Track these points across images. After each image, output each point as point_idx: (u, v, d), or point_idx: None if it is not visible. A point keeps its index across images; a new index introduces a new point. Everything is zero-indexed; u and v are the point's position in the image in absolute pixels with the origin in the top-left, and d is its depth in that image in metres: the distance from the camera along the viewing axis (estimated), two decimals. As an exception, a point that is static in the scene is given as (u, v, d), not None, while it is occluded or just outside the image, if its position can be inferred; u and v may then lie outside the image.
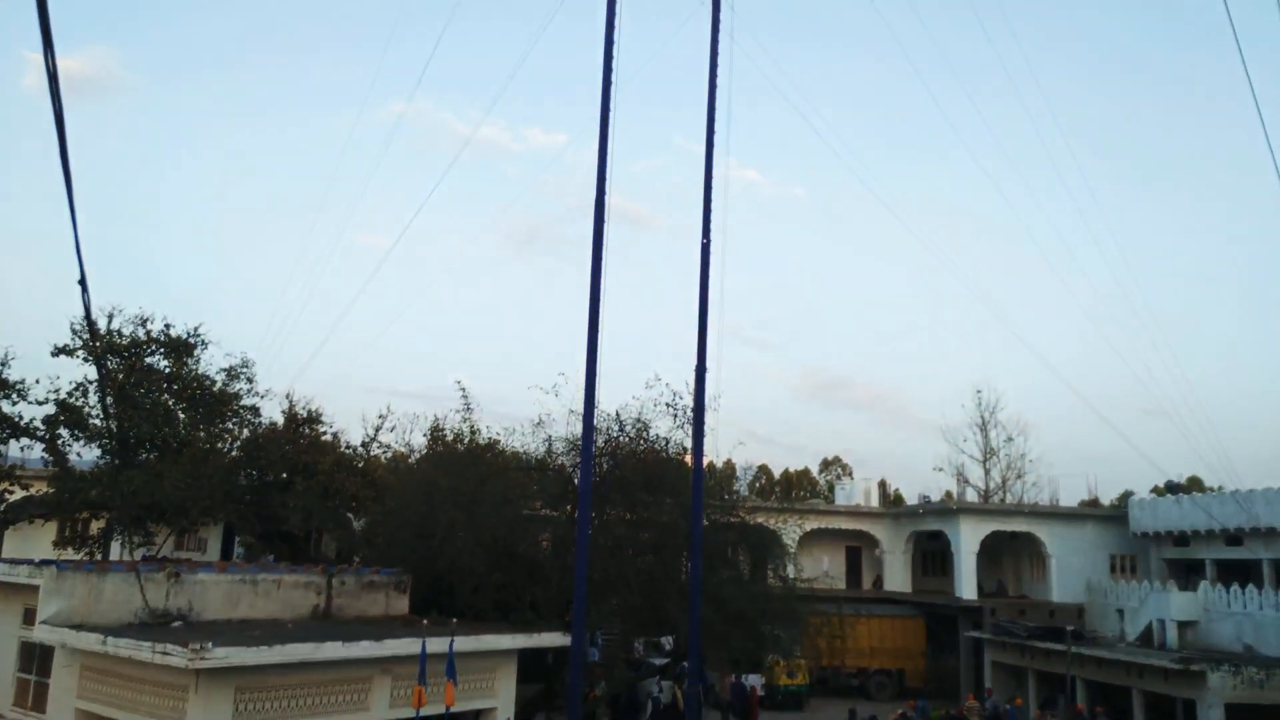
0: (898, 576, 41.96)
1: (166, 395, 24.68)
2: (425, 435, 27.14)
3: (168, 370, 24.99)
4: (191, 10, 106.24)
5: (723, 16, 21.73)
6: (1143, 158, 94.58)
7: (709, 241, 22.01)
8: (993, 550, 39.65)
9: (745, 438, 63.57)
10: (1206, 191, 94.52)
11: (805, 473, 73.03)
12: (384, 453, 27.16)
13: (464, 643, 16.62)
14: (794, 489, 64.88)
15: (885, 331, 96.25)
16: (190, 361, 25.30)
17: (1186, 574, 35.03)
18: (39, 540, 28.29)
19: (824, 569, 35.78)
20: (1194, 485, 42.41)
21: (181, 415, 24.76)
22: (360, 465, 25.72)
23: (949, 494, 51.26)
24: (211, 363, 25.68)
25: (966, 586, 37.46)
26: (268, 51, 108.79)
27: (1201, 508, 34.22)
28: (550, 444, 24.48)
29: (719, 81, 21.82)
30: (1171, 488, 37.53)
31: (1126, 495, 45.31)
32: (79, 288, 6.23)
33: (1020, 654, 33.29)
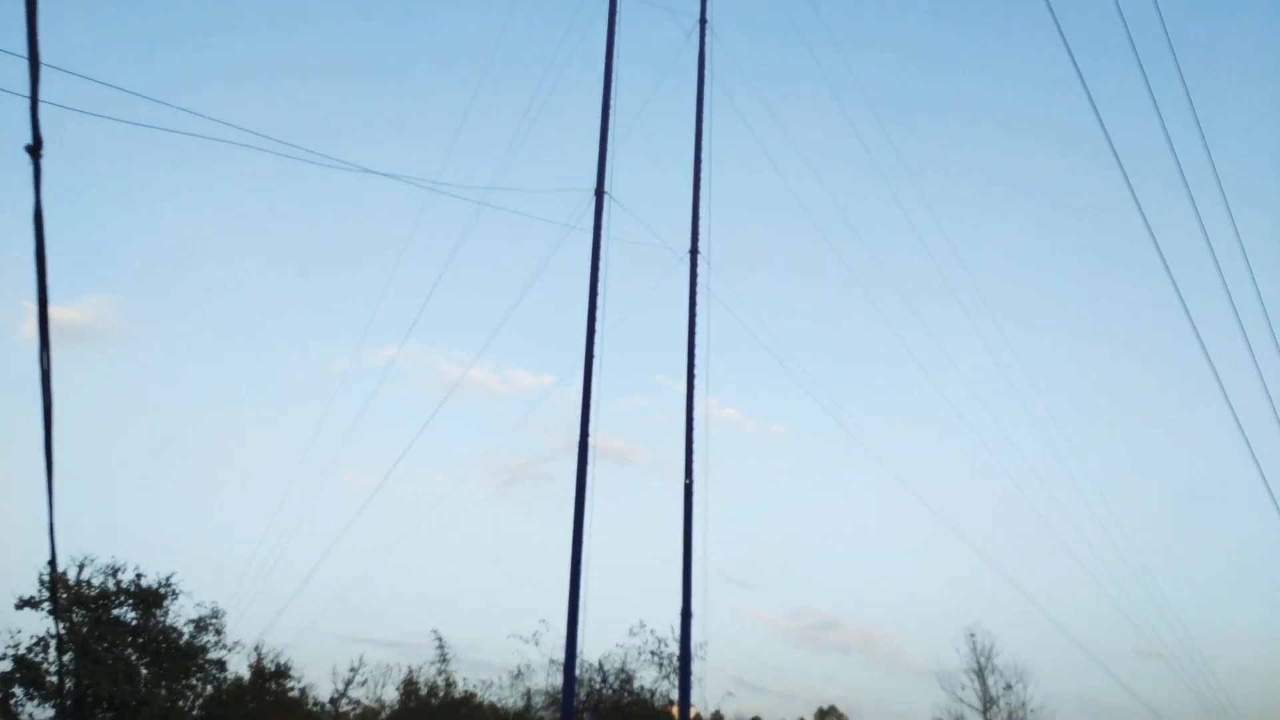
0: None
1: (130, 650, 23.74)
2: (398, 689, 25.95)
3: (134, 623, 24.17)
4: (190, 256, 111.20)
5: (700, 273, 22.92)
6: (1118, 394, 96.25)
7: (691, 482, 22.06)
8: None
9: (734, 685, 60.79)
10: (1185, 424, 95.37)
11: (799, 724, 68.99)
12: (354, 709, 25.79)
13: None
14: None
15: (873, 572, 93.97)
16: (158, 613, 24.52)
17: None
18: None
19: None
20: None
21: (144, 671, 23.70)
22: (328, 723, 24.36)
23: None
24: (181, 613, 24.89)
25: None
26: (260, 296, 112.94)
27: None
28: (530, 697, 23.48)
29: (698, 330, 22.70)
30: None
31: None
32: (48, 538, 6.03)
33: None
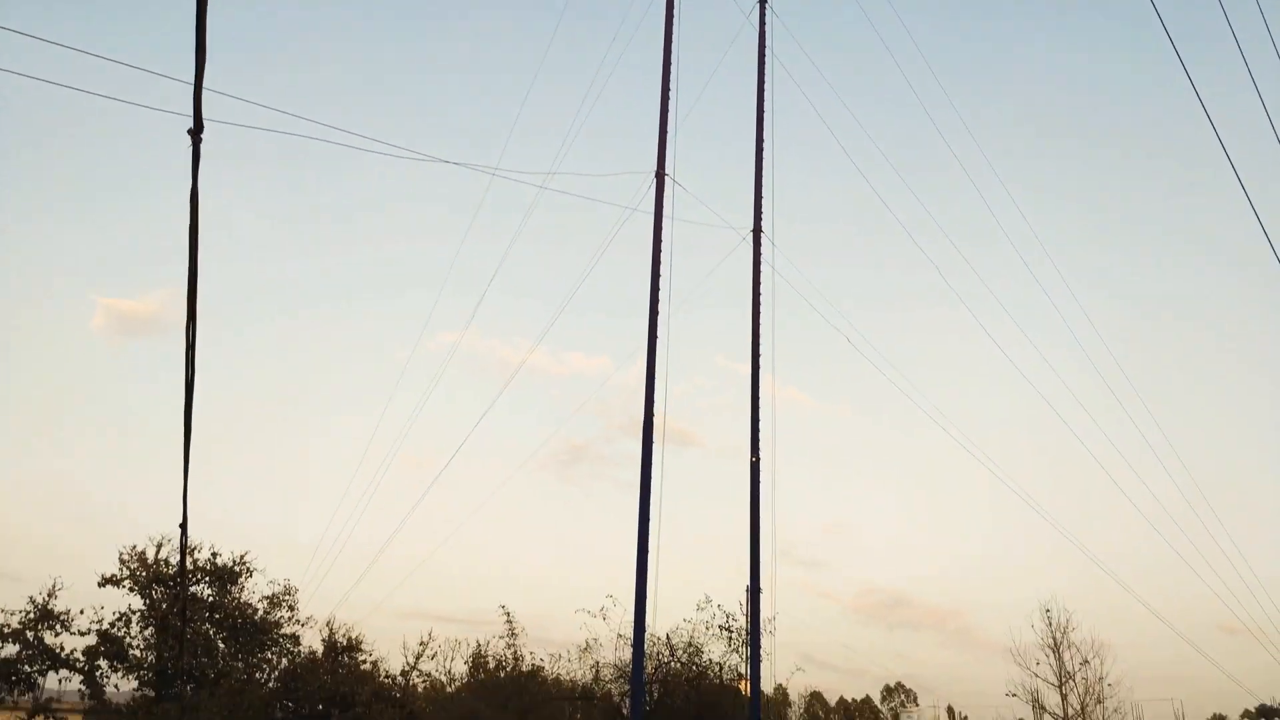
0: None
1: (208, 625, 24.37)
2: (467, 662, 26.33)
3: (210, 599, 24.80)
4: (252, 250, 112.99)
5: (764, 252, 22.82)
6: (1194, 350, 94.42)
7: (758, 460, 22.09)
8: (1077, 784, 36.53)
9: (802, 662, 60.84)
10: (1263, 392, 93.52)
11: (866, 700, 69.04)
12: (424, 681, 26.24)
13: None
14: (854, 717, 61.16)
15: (944, 548, 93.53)
16: (234, 590, 25.13)
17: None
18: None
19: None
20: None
21: (221, 645, 24.33)
22: (399, 695, 24.79)
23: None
24: (255, 590, 25.49)
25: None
26: (323, 290, 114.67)
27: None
28: (598, 670, 23.65)
29: (762, 299, 22.64)
30: (1265, 712, 34.84)
31: (1216, 719, 42.11)
32: (179, 530, 6.20)
33: None
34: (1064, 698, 51.61)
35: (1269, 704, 34.78)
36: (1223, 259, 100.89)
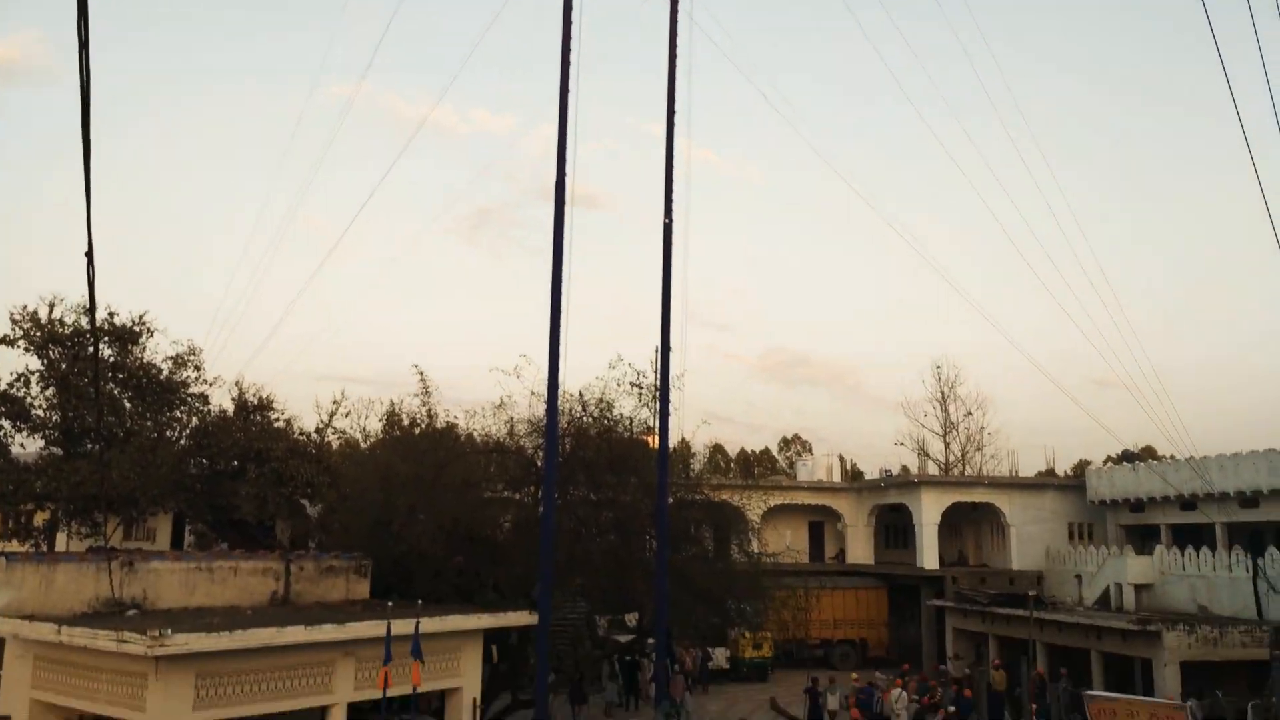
0: (860, 549, 42.33)
1: (112, 385, 23.99)
2: (381, 421, 26.71)
3: (112, 359, 24.29)
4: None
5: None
6: (1098, 128, 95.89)
7: (671, 221, 21.94)
8: (953, 521, 40.08)
9: (707, 418, 63.80)
10: (1160, 160, 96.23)
11: (765, 452, 73.31)
12: (339, 438, 26.69)
13: (429, 624, 16.33)
14: (754, 467, 65.11)
15: (844, 309, 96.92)
16: (135, 350, 24.62)
17: (1142, 539, 35.65)
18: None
19: (787, 543, 35.96)
20: (1149, 454, 43.16)
21: (127, 404, 24.10)
22: (314, 452, 25.20)
23: (905, 468, 51.78)
24: (157, 351, 25.02)
25: (928, 557, 37.86)
26: (205, 27, 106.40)
27: (1157, 474, 34.84)
28: (512, 426, 24.19)
29: (678, 61, 21.69)
30: (1128, 456, 38.14)
31: (1083, 465, 46.04)
32: (85, 260, 5.69)
33: (981, 620, 33.68)
34: (947, 446, 55.71)
35: (1130, 449, 38.05)
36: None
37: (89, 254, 5.28)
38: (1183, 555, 30.83)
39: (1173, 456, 37.71)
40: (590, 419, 23.35)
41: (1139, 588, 31.32)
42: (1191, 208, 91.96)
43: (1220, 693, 23.68)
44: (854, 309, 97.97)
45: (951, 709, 24.93)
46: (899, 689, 25.87)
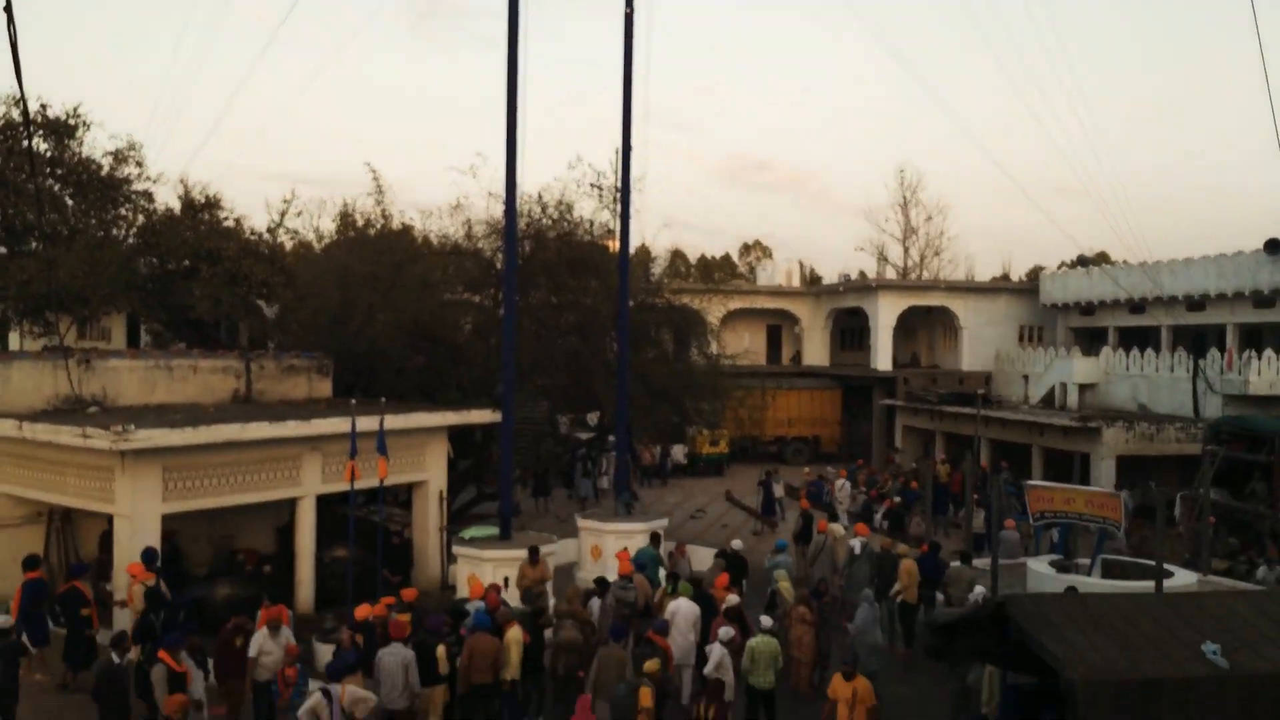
0: (817, 351, 43.23)
1: (51, 180, 22.98)
2: (335, 221, 26.10)
3: (49, 154, 23.16)
4: None
5: None
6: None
7: (632, 10, 20.86)
8: (909, 325, 40.86)
9: (666, 222, 63.14)
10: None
11: (725, 258, 73.36)
12: (291, 238, 26.07)
13: (394, 420, 16.52)
14: (714, 273, 65.33)
15: (811, 113, 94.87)
16: (72, 144, 23.45)
17: (1091, 342, 36.69)
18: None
19: (746, 346, 36.56)
20: (1103, 259, 43.74)
21: (70, 201, 23.20)
22: (267, 252, 24.66)
23: (862, 274, 52.28)
24: (96, 146, 23.85)
25: (882, 358, 38.79)
26: None
27: (1109, 277, 35.43)
28: (470, 227, 23.77)
29: None
30: (1082, 260, 38.62)
31: (1038, 270, 46.67)
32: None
33: (930, 419, 34.95)
34: (906, 251, 56.14)
35: (1085, 254, 38.49)
36: None
37: (8, 8, 4.78)
38: (1128, 356, 31.82)
39: (1125, 261, 38.31)
40: (550, 221, 22.95)
41: (1083, 387, 32.47)
42: (1158, 14, 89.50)
43: (1153, 483, 25.01)
44: (821, 112, 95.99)
45: (897, 499, 26.13)
46: (843, 479, 27.00)
